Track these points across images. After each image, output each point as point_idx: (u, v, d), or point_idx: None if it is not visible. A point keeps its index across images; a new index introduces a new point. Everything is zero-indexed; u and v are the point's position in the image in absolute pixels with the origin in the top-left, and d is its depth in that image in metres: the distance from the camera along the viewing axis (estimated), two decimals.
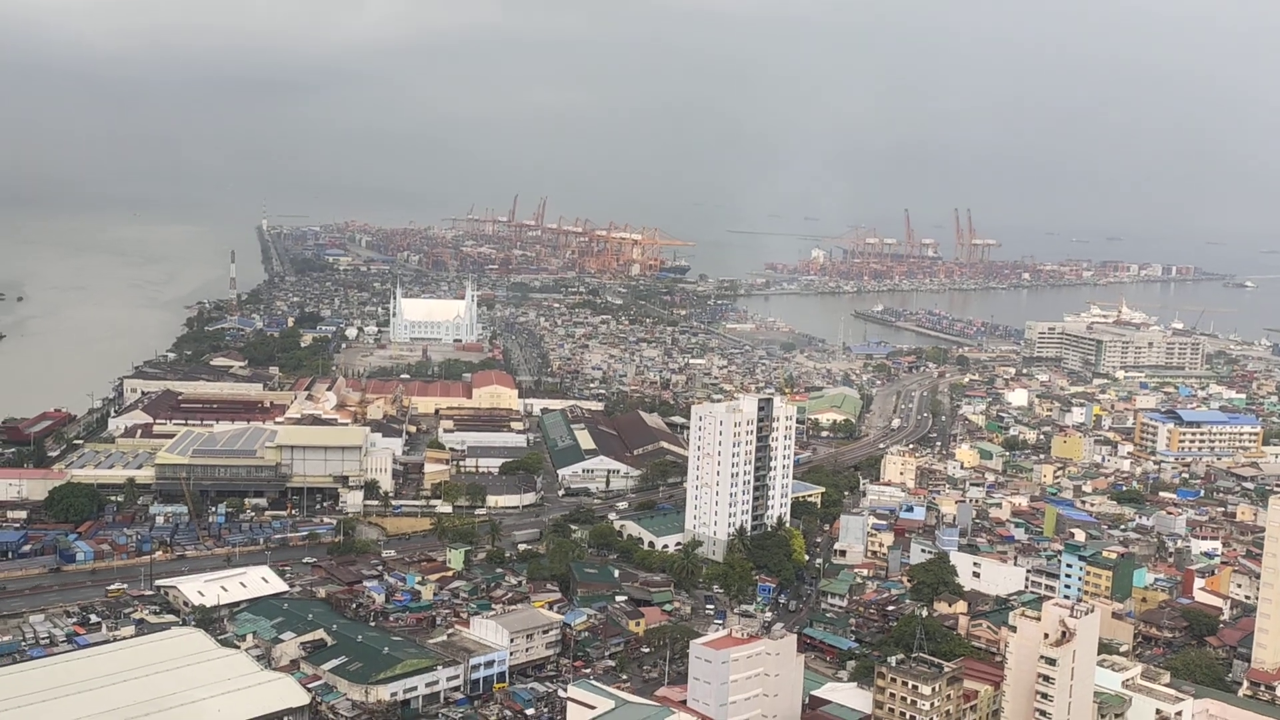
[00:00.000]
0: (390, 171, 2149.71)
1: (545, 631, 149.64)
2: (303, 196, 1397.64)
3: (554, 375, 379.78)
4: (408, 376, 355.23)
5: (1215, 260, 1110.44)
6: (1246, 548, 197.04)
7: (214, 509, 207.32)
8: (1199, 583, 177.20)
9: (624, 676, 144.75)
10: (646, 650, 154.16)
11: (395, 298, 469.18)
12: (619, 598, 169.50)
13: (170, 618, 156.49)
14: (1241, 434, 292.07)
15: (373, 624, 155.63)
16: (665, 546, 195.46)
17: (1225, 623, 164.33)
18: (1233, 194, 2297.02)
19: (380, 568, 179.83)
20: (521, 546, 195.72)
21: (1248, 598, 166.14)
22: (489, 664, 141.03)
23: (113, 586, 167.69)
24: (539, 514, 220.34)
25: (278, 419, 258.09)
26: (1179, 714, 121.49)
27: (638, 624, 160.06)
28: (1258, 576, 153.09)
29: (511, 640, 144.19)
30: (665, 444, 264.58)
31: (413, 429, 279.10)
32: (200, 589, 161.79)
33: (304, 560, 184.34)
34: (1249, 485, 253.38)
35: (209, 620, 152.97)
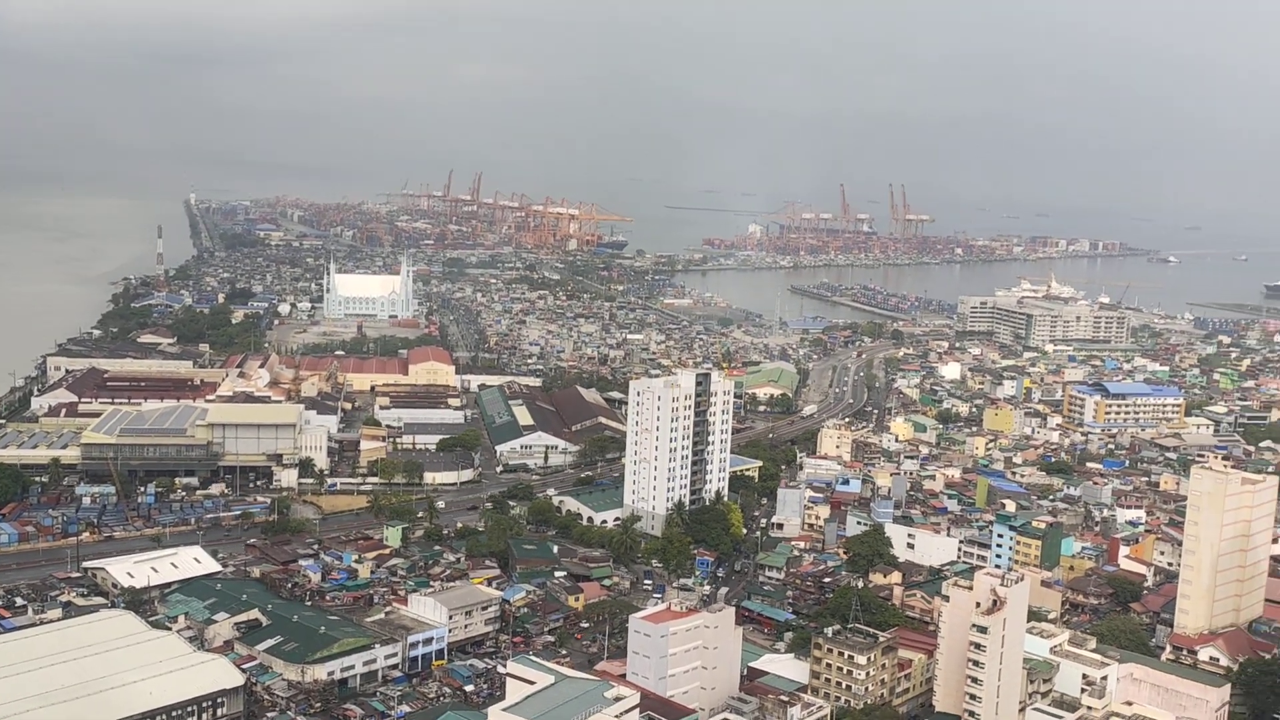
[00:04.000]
0: (322, 147, 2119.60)
1: (484, 608, 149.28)
2: (232, 172, 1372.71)
3: (491, 351, 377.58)
4: (343, 353, 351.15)
5: (1140, 236, 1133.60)
6: (1169, 516, 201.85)
7: (143, 489, 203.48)
8: (1124, 551, 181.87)
9: (563, 651, 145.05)
10: (586, 625, 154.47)
11: (329, 273, 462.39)
12: (558, 573, 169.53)
13: (99, 600, 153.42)
14: (1165, 405, 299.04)
15: (309, 603, 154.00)
16: (604, 522, 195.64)
17: (1149, 589, 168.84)
18: (1158, 172, 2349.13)
19: (316, 546, 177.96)
20: (459, 523, 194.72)
21: (1170, 565, 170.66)
22: (427, 641, 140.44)
23: None
24: (477, 490, 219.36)
25: (208, 397, 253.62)
26: (1104, 679, 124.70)
27: (577, 599, 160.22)
28: (1180, 544, 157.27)
29: (450, 617, 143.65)
30: (603, 419, 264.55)
31: (348, 406, 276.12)
32: (129, 570, 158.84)
33: (238, 540, 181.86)
34: (1172, 455, 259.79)
35: (139, 602, 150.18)
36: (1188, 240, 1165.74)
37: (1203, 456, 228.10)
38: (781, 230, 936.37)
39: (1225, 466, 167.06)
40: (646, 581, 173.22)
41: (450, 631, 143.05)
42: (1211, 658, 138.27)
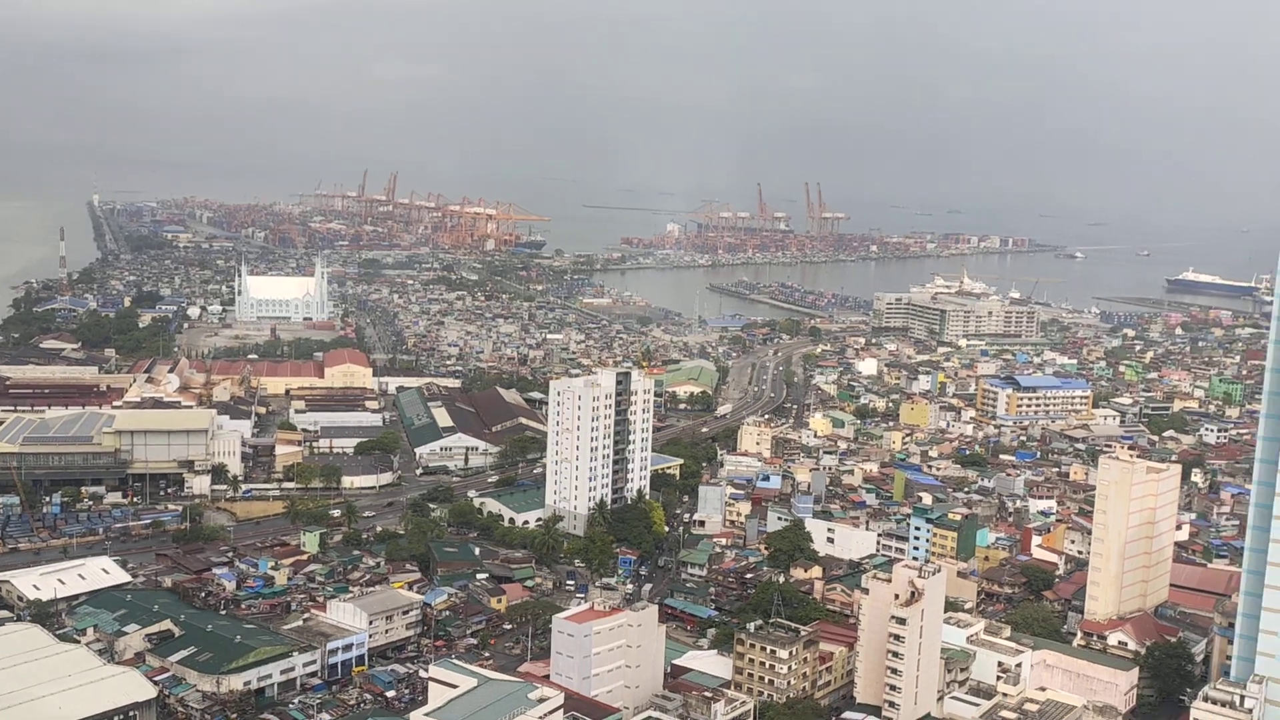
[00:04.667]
0: (231, 147, 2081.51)
1: (405, 612, 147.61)
2: (137, 172, 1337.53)
3: (409, 353, 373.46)
4: (255, 357, 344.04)
5: (1047, 232, 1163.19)
6: (1079, 505, 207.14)
7: (48, 499, 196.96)
8: (1036, 540, 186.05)
9: (486, 654, 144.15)
10: (509, 627, 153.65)
11: (240, 275, 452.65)
12: (480, 575, 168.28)
13: (4, 613, 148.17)
14: (1073, 398, 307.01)
15: (224, 612, 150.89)
16: (526, 522, 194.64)
17: (1060, 577, 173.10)
18: (1061, 169, 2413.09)
19: (230, 554, 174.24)
20: (379, 527, 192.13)
21: (1080, 553, 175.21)
22: (347, 648, 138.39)
23: None
24: (396, 494, 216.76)
25: (115, 403, 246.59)
26: (1018, 665, 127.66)
27: (499, 601, 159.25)
28: (1089, 533, 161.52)
29: (370, 622, 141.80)
30: (524, 420, 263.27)
31: (262, 410, 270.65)
32: (35, 583, 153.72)
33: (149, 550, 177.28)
34: (1081, 446, 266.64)
35: (46, 615, 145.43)
36: (1093, 236, 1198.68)
37: (1110, 447, 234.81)
38: (699, 229, 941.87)
39: (1131, 456, 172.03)
40: (569, 581, 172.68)
41: (371, 637, 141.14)
42: (1120, 642, 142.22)
